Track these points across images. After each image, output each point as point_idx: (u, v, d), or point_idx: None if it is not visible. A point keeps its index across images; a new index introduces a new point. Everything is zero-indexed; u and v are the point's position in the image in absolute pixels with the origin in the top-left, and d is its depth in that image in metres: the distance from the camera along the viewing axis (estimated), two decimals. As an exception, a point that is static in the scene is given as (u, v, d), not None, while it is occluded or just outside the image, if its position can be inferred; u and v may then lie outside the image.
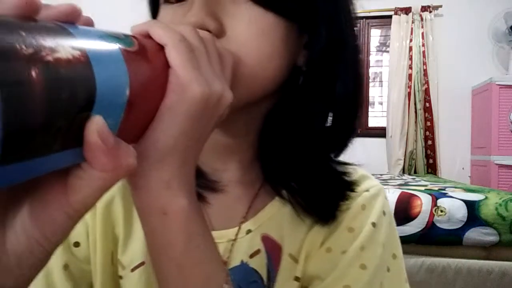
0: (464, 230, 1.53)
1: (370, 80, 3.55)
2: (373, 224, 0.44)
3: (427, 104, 3.21)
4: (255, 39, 0.37)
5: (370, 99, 3.55)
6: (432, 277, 1.52)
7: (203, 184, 0.45)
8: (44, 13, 0.19)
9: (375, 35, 3.53)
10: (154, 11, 0.43)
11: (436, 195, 1.62)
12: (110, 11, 2.70)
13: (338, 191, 0.44)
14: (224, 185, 0.45)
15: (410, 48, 3.24)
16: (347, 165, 0.47)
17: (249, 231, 0.45)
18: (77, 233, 0.44)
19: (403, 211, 1.57)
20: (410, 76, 3.24)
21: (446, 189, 1.80)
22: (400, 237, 0.47)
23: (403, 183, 2.18)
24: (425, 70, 3.21)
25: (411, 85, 3.23)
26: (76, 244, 0.44)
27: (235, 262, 0.44)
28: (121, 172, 0.21)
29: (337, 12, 0.42)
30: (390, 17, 3.28)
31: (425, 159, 3.22)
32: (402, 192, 1.65)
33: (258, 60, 0.37)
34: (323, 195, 0.44)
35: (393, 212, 1.17)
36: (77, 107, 0.18)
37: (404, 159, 3.23)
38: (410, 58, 3.24)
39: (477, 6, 3.17)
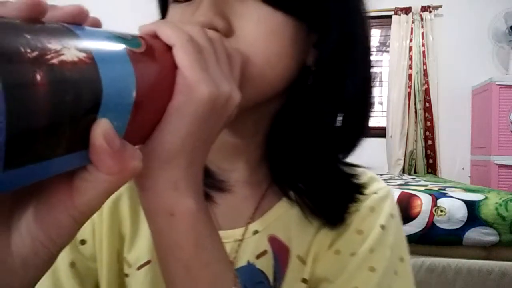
0: (464, 230, 1.53)
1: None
2: (382, 227, 0.43)
3: (427, 104, 3.21)
4: (263, 38, 0.37)
5: (370, 99, 3.54)
6: (432, 277, 1.52)
7: (210, 184, 0.45)
8: (50, 14, 0.19)
9: (375, 35, 3.53)
10: (164, 11, 0.43)
11: (436, 195, 1.62)
12: (112, 11, 2.70)
13: (347, 193, 0.44)
14: (231, 185, 0.45)
15: (410, 48, 3.24)
16: (355, 167, 0.47)
17: (256, 232, 0.45)
18: (84, 231, 0.44)
19: (403, 211, 1.57)
20: (410, 76, 3.24)
21: (446, 189, 1.80)
22: (400, 237, 0.47)
23: (403, 183, 2.18)
24: (425, 70, 3.21)
25: (411, 85, 3.23)
26: (83, 242, 0.44)
27: (241, 262, 0.44)
28: (127, 175, 0.21)
29: (348, 11, 0.42)
30: (390, 17, 3.28)
31: (425, 159, 3.22)
32: (402, 192, 1.65)
33: (267, 59, 0.37)
34: (331, 198, 0.43)
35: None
36: (83, 110, 0.18)
37: (404, 159, 3.23)
38: (410, 58, 3.24)
39: (477, 6, 3.17)
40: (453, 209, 1.55)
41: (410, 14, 3.25)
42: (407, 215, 1.55)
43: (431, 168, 3.22)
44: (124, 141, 0.21)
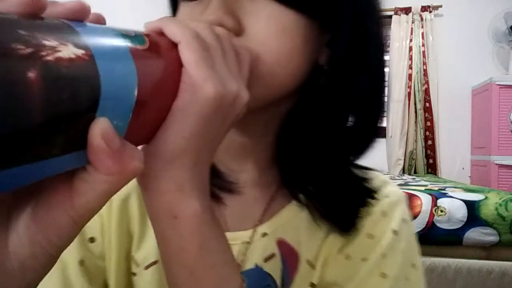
0: (464, 230, 1.53)
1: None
2: (394, 232, 0.43)
3: (427, 104, 3.21)
4: (274, 37, 0.36)
5: (370, 99, 3.55)
6: (432, 277, 1.53)
7: (219, 185, 0.44)
8: (50, 10, 0.19)
9: (375, 35, 3.53)
10: (175, 10, 0.42)
11: (436, 195, 1.62)
12: (115, 8, 2.71)
13: (358, 198, 0.43)
14: (240, 186, 0.44)
15: (410, 48, 3.24)
16: (367, 170, 0.46)
17: (264, 234, 0.44)
18: (93, 228, 0.44)
19: (403, 211, 1.57)
20: (410, 76, 3.24)
21: (446, 189, 1.80)
22: (400, 237, 0.47)
23: (403, 183, 2.18)
24: (425, 70, 3.21)
25: (411, 85, 3.23)
26: (92, 240, 0.44)
27: (249, 265, 0.43)
28: (127, 176, 0.21)
29: (362, 8, 0.40)
30: (390, 17, 3.28)
31: (425, 159, 3.22)
32: (402, 192, 1.65)
33: (277, 58, 0.36)
34: (342, 202, 0.42)
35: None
36: (80, 108, 0.18)
37: (404, 159, 3.23)
38: (410, 58, 3.24)
39: (477, 6, 3.17)
40: (453, 209, 1.55)
41: (410, 14, 3.25)
42: (407, 215, 1.55)
43: (431, 168, 3.22)
44: (124, 141, 0.21)
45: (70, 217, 0.20)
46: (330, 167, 0.42)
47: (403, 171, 3.23)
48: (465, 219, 1.53)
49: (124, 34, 0.22)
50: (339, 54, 0.40)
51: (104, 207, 0.44)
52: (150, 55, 0.24)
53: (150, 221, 0.30)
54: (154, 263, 0.43)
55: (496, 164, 2.83)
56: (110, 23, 0.23)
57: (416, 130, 3.24)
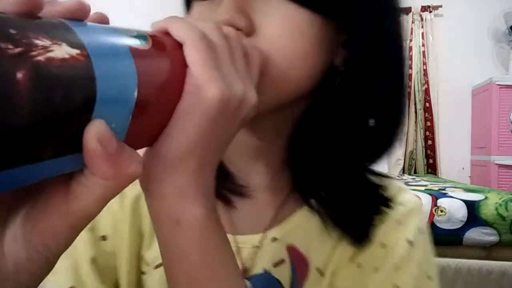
0: (464, 230, 1.53)
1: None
2: (409, 242, 0.41)
3: (427, 104, 3.21)
4: (287, 36, 0.35)
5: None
6: (432, 277, 1.52)
7: (230, 188, 0.43)
8: (48, 9, 0.18)
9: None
10: (189, 10, 0.42)
11: (436, 195, 1.62)
12: (116, 8, 2.71)
13: (372, 206, 0.41)
14: (251, 190, 0.43)
15: (410, 48, 3.24)
16: (382, 177, 0.44)
17: (274, 239, 0.43)
18: (105, 227, 0.44)
19: (403, 211, 1.57)
20: (410, 76, 3.24)
21: (446, 189, 1.80)
22: (400, 237, 0.47)
23: (403, 183, 2.18)
24: (425, 70, 3.21)
25: (411, 85, 3.23)
26: (104, 238, 0.43)
27: (257, 269, 0.42)
28: (124, 180, 0.20)
29: (381, 7, 0.39)
30: (390, 17, 3.28)
31: (425, 159, 3.22)
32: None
33: (290, 59, 0.35)
34: (356, 211, 0.41)
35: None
36: (74, 110, 0.17)
37: (404, 159, 3.23)
38: (410, 58, 3.24)
39: (477, 6, 3.17)
40: (453, 209, 1.55)
41: (410, 14, 3.25)
42: (407, 215, 1.55)
43: (431, 168, 3.22)
44: (122, 144, 0.20)
45: (67, 221, 0.20)
46: (344, 173, 0.41)
47: (403, 171, 3.23)
48: (465, 219, 1.53)
49: (125, 34, 0.22)
50: (356, 55, 0.38)
51: (116, 206, 0.44)
52: (152, 56, 0.23)
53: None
54: None
55: (496, 164, 2.83)
56: (114, 23, 0.23)
57: (416, 130, 3.24)
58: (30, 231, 0.20)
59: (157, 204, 0.27)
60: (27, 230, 0.20)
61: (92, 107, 0.18)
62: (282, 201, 0.44)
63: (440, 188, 1.84)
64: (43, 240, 0.20)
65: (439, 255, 1.56)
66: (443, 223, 1.53)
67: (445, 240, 1.54)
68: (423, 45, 3.22)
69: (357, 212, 0.41)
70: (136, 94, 0.20)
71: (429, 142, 3.21)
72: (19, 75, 0.14)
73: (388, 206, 0.42)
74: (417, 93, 3.21)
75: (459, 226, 1.53)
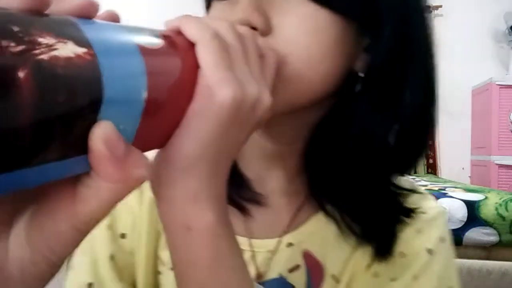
0: (464, 230, 1.52)
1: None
2: (429, 251, 0.40)
3: (427, 104, 3.21)
4: (304, 37, 0.33)
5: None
6: (432, 277, 1.52)
7: (247, 197, 0.42)
8: (56, 6, 0.18)
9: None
10: (208, 10, 0.41)
11: (436, 195, 1.61)
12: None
13: (393, 216, 0.40)
14: (268, 197, 0.43)
15: (410, 48, 3.23)
16: (404, 184, 0.42)
17: (290, 244, 0.42)
18: (124, 225, 0.44)
19: (403, 211, 1.56)
20: (410, 76, 3.24)
21: (446, 189, 1.80)
22: (400, 237, 0.46)
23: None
24: (425, 70, 3.21)
25: (411, 85, 3.23)
26: (123, 236, 0.43)
27: (272, 274, 0.42)
28: (131, 184, 0.19)
29: (406, 8, 0.37)
30: (390, 17, 3.28)
31: (425, 159, 3.21)
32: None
33: (306, 61, 0.34)
34: (376, 221, 0.39)
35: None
36: (80, 111, 0.16)
37: (404, 159, 3.23)
38: (410, 58, 3.24)
39: (477, 6, 3.17)
40: (453, 209, 1.55)
41: (410, 14, 3.24)
42: (407, 215, 1.55)
43: (431, 168, 3.22)
44: (130, 146, 0.19)
45: (72, 224, 0.19)
46: (363, 181, 0.39)
47: (403, 171, 3.22)
48: (465, 219, 1.53)
49: (135, 32, 0.21)
50: (378, 61, 0.36)
51: (135, 205, 0.44)
52: (163, 55, 0.22)
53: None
54: None
55: (496, 164, 2.83)
56: (126, 22, 0.22)
57: (416, 130, 3.24)
58: (35, 234, 0.19)
59: (168, 209, 0.27)
60: (32, 233, 0.19)
61: (98, 108, 0.17)
62: (298, 206, 0.43)
63: (440, 188, 1.84)
64: (48, 243, 0.19)
65: (439, 255, 1.56)
66: (443, 223, 1.53)
67: (445, 240, 1.54)
68: (423, 45, 3.22)
69: (378, 223, 0.39)
70: (145, 94, 0.20)
71: (429, 142, 3.21)
72: (21, 74, 0.14)
73: (409, 216, 0.40)
74: (417, 93, 3.21)
75: (459, 226, 1.53)
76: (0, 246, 0.19)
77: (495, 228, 1.51)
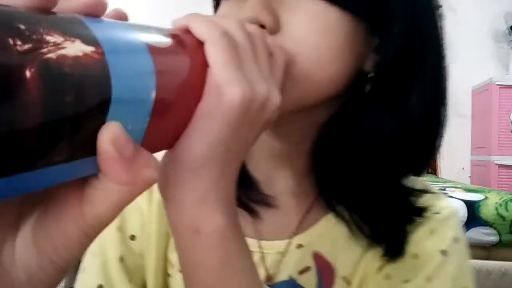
0: (464, 230, 1.53)
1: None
2: (443, 252, 0.39)
3: (427, 104, 3.21)
4: (314, 36, 0.33)
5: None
6: (432, 277, 1.52)
7: (256, 198, 0.42)
8: (63, 5, 0.17)
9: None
10: (217, 8, 0.40)
11: (436, 195, 1.61)
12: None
13: (405, 216, 0.39)
14: (276, 198, 0.42)
15: (410, 48, 3.23)
16: (416, 181, 0.42)
17: (299, 246, 0.42)
18: (134, 226, 0.43)
19: (403, 211, 1.56)
20: (410, 76, 3.24)
21: (446, 189, 1.79)
22: (400, 237, 0.46)
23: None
24: (425, 70, 3.21)
25: (411, 85, 3.23)
26: (132, 237, 0.43)
27: (282, 276, 0.41)
28: (140, 185, 0.19)
29: (416, 7, 0.36)
30: (390, 17, 3.28)
31: (425, 159, 3.21)
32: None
33: (316, 60, 0.33)
34: (387, 221, 0.39)
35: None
36: (88, 112, 0.16)
37: (404, 159, 3.23)
38: (410, 58, 3.24)
39: (477, 6, 3.17)
40: (453, 209, 1.55)
41: (410, 14, 3.24)
42: (407, 215, 1.55)
43: (431, 168, 3.21)
44: (139, 147, 0.19)
45: (80, 227, 0.19)
46: (372, 180, 0.39)
47: (403, 171, 3.22)
48: (465, 219, 1.53)
49: (144, 31, 0.21)
50: (387, 60, 0.36)
51: (145, 206, 0.44)
52: (172, 54, 0.22)
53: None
54: None
55: (496, 164, 2.83)
56: (133, 20, 0.21)
57: (416, 130, 3.23)
58: (42, 237, 0.19)
59: (176, 211, 0.26)
60: (38, 237, 0.19)
61: (107, 108, 0.17)
62: (308, 208, 0.43)
63: (440, 188, 1.84)
64: (54, 246, 0.19)
65: (439, 255, 1.56)
66: (443, 223, 1.53)
67: (445, 240, 1.54)
68: (423, 45, 3.22)
69: (388, 223, 0.39)
70: (154, 94, 0.19)
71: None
72: (28, 73, 0.13)
73: (421, 216, 0.39)
74: (417, 93, 3.21)
75: (459, 226, 1.53)
76: (7, 249, 0.19)
77: (495, 228, 1.51)
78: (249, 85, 0.24)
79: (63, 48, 0.15)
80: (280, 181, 0.43)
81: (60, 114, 0.15)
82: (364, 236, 0.39)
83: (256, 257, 0.41)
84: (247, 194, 0.42)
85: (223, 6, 0.37)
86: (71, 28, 0.16)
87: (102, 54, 0.16)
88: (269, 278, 0.42)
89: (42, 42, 0.14)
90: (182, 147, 0.24)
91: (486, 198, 1.58)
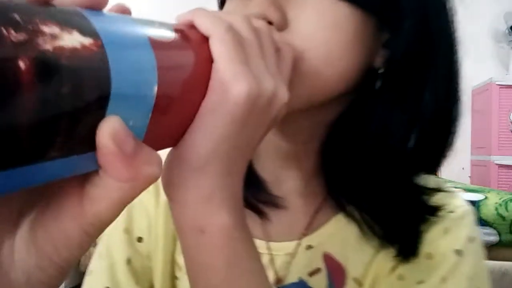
0: (464, 230, 1.53)
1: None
2: (458, 252, 0.38)
3: (427, 104, 3.21)
4: (323, 32, 0.32)
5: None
6: (432, 277, 1.52)
7: (264, 199, 0.41)
8: None
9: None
10: (222, 5, 0.40)
11: (436, 195, 1.61)
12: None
13: (418, 215, 0.38)
14: (284, 198, 0.42)
15: (410, 48, 3.23)
16: (428, 180, 0.41)
17: (309, 247, 0.41)
18: (141, 228, 0.43)
19: (403, 211, 1.56)
20: (410, 76, 3.24)
21: (446, 189, 1.80)
22: (400, 237, 0.46)
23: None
24: (425, 70, 3.21)
25: (411, 85, 3.23)
26: (140, 240, 0.43)
27: (292, 278, 0.40)
28: (142, 182, 0.18)
29: (428, 1, 0.36)
30: (390, 17, 3.28)
31: (425, 159, 3.21)
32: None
33: (324, 56, 0.32)
34: (400, 220, 0.38)
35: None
36: (85, 105, 0.15)
37: (404, 159, 3.22)
38: (410, 58, 3.24)
39: (477, 6, 3.17)
40: (453, 209, 1.55)
41: (410, 14, 3.24)
42: (407, 215, 1.55)
43: (431, 168, 3.22)
44: (140, 143, 0.18)
45: (80, 226, 0.18)
46: (383, 178, 0.38)
47: (403, 171, 3.22)
48: (465, 219, 1.53)
49: (146, 25, 0.20)
50: (398, 56, 0.35)
51: (152, 208, 0.43)
52: (175, 49, 0.22)
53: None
54: None
55: (496, 164, 2.83)
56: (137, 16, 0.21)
57: (416, 130, 3.23)
58: (41, 236, 0.18)
59: (180, 210, 0.25)
60: (38, 236, 0.18)
61: (106, 102, 0.16)
62: (317, 208, 0.42)
63: (440, 188, 1.84)
64: (54, 246, 0.18)
65: (439, 255, 1.56)
66: (443, 223, 1.53)
67: (445, 240, 1.54)
68: (423, 45, 3.21)
69: (401, 223, 0.38)
70: (156, 89, 0.19)
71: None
72: (22, 64, 0.13)
73: (435, 215, 0.38)
74: (417, 93, 3.21)
75: (459, 226, 1.53)
76: (6, 248, 0.18)
77: (495, 228, 1.51)
78: (255, 81, 0.24)
79: (60, 39, 0.14)
80: (288, 181, 0.42)
81: (56, 107, 0.14)
82: (375, 236, 0.38)
83: (265, 259, 0.41)
84: (255, 195, 0.41)
85: (228, 4, 0.37)
86: (69, 19, 0.15)
87: (102, 46, 0.16)
88: (278, 280, 0.41)
89: (38, 33, 0.14)
90: (186, 145, 0.23)
91: (486, 198, 1.58)
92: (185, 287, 0.42)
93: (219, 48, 0.23)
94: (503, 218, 1.52)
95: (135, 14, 0.21)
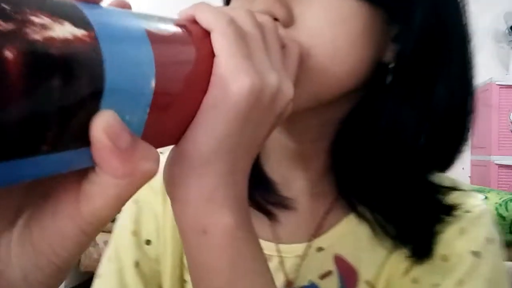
0: (464, 230, 1.52)
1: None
2: (475, 254, 0.36)
3: (427, 104, 3.21)
4: (330, 28, 0.31)
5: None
6: (432, 277, 1.52)
7: (273, 201, 0.40)
8: None
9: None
10: (227, 2, 0.39)
11: (436, 195, 1.61)
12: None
13: (433, 215, 0.37)
14: (294, 199, 0.41)
15: (410, 48, 3.23)
16: (443, 178, 0.39)
17: (320, 249, 0.40)
18: (149, 231, 0.42)
19: (403, 211, 1.56)
20: (410, 76, 3.24)
21: (446, 189, 1.79)
22: (401, 237, 0.45)
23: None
24: (425, 70, 3.21)
25: (411, 85, 3.23)
26: (148, 242, 0.42)
27: (302, 281, 0.40)
28: (138, 179, 0.18)
29: None
30: (390, 17, 3.28)
31: (425, 159, 3.21)
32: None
33: (331, 53, 0.32)
34: (414, 220, 0.37)
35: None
36: (77, 99, 0.15)
37: (404, 159, 3.22)
38: (410, 58, 3.24)
39: (477, 6, 3.16)
40: (453, 209, 1.54)
41: (410, 14, 3.24)
42: (407, 215, 1.55)
43: (431, 168, 3.22)
44: (136, 138, 0.18)
45: (77, 224, 0.18)
46: (395, 177, 0.37)
47: (403, 171, 3.22)
48: (465, 219, 1.53)
49: (145, 19, 0.20)
50: (408, 50, 0.34)
51: (159, 210, 0.43)
52: (175, 43, 0.21)
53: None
54: None
55: (496, 164, 2.83)
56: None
57: (416, 130, 3.23)
58: (38, 235, 0.18)
59: (182, 209, 0.25)
60: (34, 234, 0.18)
61: (100, 96, 0.16)
62: (327, 208, 0.41)
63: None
64: (51, 245, 0.18)
65: (439, 255, 1.55)
66: (443, 223, 1.53)
67: (445, 240, 1.54)
68: (423, 45, 3.21)
69: (415, 222, 0.37)
70: (154, 83, 0.18)
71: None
72: (9, 54, 0.12)
73: (450, 214, 0.37)
74: (417, 93, 3.21)
75: (459, 226, 1.53)
76: (3, 247, 0.18)
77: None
78: (258, 75, 0.23)
79: (51, 30, 0.14)
80: (297, 182, 0.41)
81: (45, 99, 0.14)
82: (388, 237, 0.37)
83: (275, 262, 0.40)
84: (264, 196, 0.40)
85: (234, 2, 0.36)
86: (62, 10, 0.15)
87: (95, 38, 0.15)
88: (289, 283, 0.40)
89: (27, 23, 0.13)
90: (188, 142, 0.23)
91: (486, 198, 1.58)
92: None
93: (221, 42, 0.23)
94: (503, 218, 1.51)
95: (134, 10, 0.21)
